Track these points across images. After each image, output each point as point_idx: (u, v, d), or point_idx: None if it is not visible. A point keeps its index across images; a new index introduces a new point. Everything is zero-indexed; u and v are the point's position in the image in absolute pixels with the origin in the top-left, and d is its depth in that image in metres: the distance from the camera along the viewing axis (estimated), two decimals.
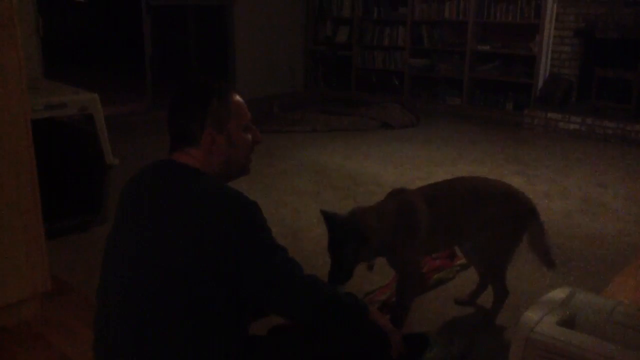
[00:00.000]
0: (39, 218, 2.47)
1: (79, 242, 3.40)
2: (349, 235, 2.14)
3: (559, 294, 1.92)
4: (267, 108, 7.03)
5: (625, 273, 3.03)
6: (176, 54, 9.41)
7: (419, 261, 2.48)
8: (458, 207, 2.39)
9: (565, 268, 3.17)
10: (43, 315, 2.58)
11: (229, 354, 1.58)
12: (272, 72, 8.40)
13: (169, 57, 9.07)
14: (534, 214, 2.48)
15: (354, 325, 1.78)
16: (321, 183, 4.52)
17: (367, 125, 6.59)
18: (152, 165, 1.71)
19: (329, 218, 2.15)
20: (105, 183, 3.54)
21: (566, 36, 6.59)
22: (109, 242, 1.71)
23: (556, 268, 2.63)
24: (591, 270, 3.15)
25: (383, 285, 2.84)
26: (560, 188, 4.54)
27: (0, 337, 2.43)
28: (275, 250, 1.61)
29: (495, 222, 2.42)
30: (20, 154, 2.37)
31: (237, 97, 1.71)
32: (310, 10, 8.73)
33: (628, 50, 6.16)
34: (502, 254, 2.48)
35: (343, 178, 4.67)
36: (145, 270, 1.55)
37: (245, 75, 8.06)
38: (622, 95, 6.20)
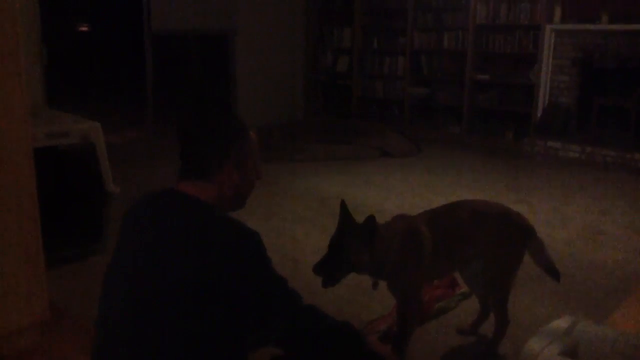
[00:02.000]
0: (39, 246, 2.47)
1: (79, 271, 3.39)
2: (360, 230, 2.13)
3: (561, 323, 1.91)
4: (267, 136, 7.06)
5: (628, 303, 3.02)
6: (178, 82, 9.49)
7: (420, 287, 2.45)
8: (458, 231, 2.40)
9: (566, 297, 3.15)
10: (42, 344, 2.56)
11: None
12: (273, 101, 8.46)
13: (171, 86, 9.14)
14: (531, 232, 2.48)
15: (352, 356, 1.76)
16: (321, 211, 4.52)
17: (368, 154, 6.61)
18: (155, 194, 1.69)
19: (346, 210, 2.16)
20: (105, 211, 3.54)
21: (564, 65, 6.65)
22: (108, 271, 1.69)
23: (561, 279, 2.60)
24: (593, 300, 3.13)
25: (384, 315, 2.82)
26: (561, 216, 4.53)
27: None
28: (275, 282, 1.60)
29: (494, 244, 2.42)
30: (22, 181, 2.38)
31: (253, 135, 1.72)
32: (310, 40, 8.82)
33: (625, 79, 6.22)
34: (503, 276, 2.47)
35: None
36: (144, 301, 1.52)
37: (246, 103, 8.11)
38: (621, 124, 6.24)
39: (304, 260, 3.58)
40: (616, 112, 6.30)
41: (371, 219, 2.15)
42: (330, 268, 2.13)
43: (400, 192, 5.15)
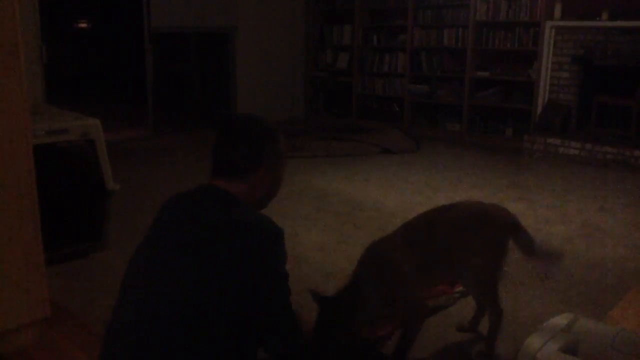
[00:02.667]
0: (39, 244, 2.47)
1: (79, 268, 3.39)
2: (341, 306, 2.04)
3: (561, 320, 1.91)
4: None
5: (628, 299, 3.02)
6: (178, 80, 9.48)
7: (416, 298, 2.38)
8: (437, 246, 2.35)
9: (566, 294, 3.15)
10: (41, 342, 2.56)
11: None
12: (273, 99, 8.46)
13: (171, 84, 9.14)
14: (512, 226, 2.46)
15: None
16: (322, 208, 4.52)
17: (368, 151, 6.61)
18: (195, 189, 1.78)
19: (321, 301, 2.05)
20: (105, 209, 3.54)
21: (564, 63, 6.65)
22: (137, 257, 1.72)
23: (559, 259, 2.57)
24: (592, 296, 3.13)
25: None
26: (561, 213, 4.54)
27: None
28: (284, 278, 1.68)
29: (475, 248, 2.38)
30: (21, 179, 2.38)
31: (283, 139, 1.82)
32: (310, 38, 8.82)
33: (626, 77, 6.21)
34: (489, 275, 2.44)
35: (343, 203, 4.68)
36: (172, 289, 1.58)
37: (246, 101, 8.12)
38: (621, 122, 6.23)
39: (305, 257, 3.58)
40: (616, 109, 6.30)
41: (350, 294, 2.09)
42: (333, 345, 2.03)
43: (400, 189, 5.15)
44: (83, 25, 12.02)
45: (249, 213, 1.68)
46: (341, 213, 4.43)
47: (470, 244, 2.38)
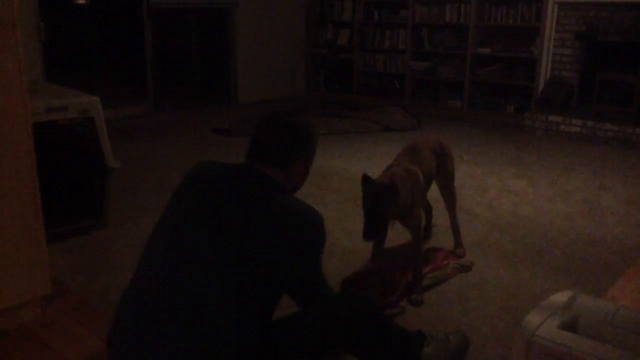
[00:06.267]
0: (39, 221, 2.47)
1: (80, 246, 3.40)
2: (386, 190, 2.58)
3: (560, 297, 1.92)
4: (267, 111, 7.03)
5: (627, 276, 3.03)
6: (177, 57, 9.42)
7: (420, 206, 2.95)
8: (426, 164, 3.00)
9: (566, 271, 3.16)
10: (43, 319, 2.58)
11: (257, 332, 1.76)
12: (273, 76, 8.42)
13: (170, 61, 9.08)
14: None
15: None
16: (322, 186, 4.52)
17: (368, 128, 6.59)
18: (236, 166, 1.93)
19: (367, 180, 2.63)
20: (106, 186, 3.54)
21: (567, 39, 6.59)
22: (163, 229, 1.83)
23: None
24: (592, 274, 3.14)
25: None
26: (562, 191, 4.53)
27: (0, 341, 2.43)
28: (319, 262, 1.90)
29: (446, 163, 3.19)
30: (21, 157, 2.37)
31: (318, 138, 2.08)
32: (311, 13, 8.74)
33: (629, 53, 6.16)
34: (452, 182, 3.28)
35: (344, 181, 4.67)
36: (214, 259, 1.70)
37: (246, 78, 8.08)
38: (623, 99, 6.20)
39: None
40: (619, 86, 6.26)
41: (393, 185, 2.62)
42: (377, 228, 2.60)
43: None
44: (81, 1, 11.91)
45: (292, 199, 1.88)
46: (342, 190, 4.43)
47: (443, 161, 3.16)
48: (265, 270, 1.74)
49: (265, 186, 1.86)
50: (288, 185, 1.96)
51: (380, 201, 2.56)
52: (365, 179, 2.63)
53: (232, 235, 1.74)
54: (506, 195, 4.41)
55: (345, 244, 3.45)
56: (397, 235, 3.16)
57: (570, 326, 1.79)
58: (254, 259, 1.72)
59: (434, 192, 3.29)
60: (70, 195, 3.44)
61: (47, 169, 2.67)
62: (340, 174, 4.87)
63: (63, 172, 3.35)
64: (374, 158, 5.42)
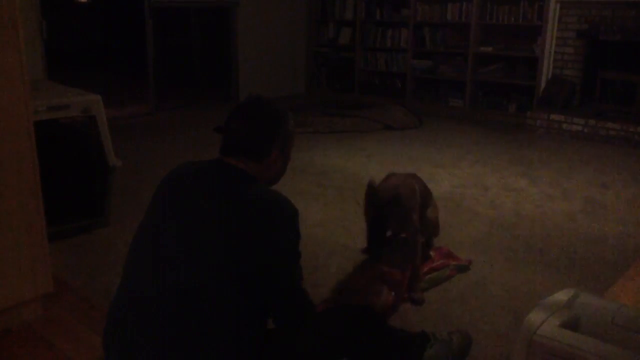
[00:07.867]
0: (41, 220, 2.48)
1: (81, 244, 3.40)
2: (390, 203, 2.67)
3: (562, 295, 1.92)
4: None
5: (628, 275, 3.03)
6: (179, 56, 9.42)
7: (417, 218, 2.94)
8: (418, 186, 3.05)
9: (567, 270, 3.16)
10: (45, 317, 2.59)
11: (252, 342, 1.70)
12: (275, 74, 8.41)
13: (172, 59, 9.08)
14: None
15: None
16: (323, 184, 4.52)
17: (370, 127, 6.58)
18: (208, 163, 1.84)
19: (373, 190, 2.69)
20: (107, 185, 3.54)
21: (569, 38, 6.58)
22: (144, 231, 1.78)
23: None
24: (594, 272, 3.14)
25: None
26: (563, 190, 4.53)
27: (1, 339, 2.43)
28: (296, 257, 1.83)
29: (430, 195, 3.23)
30: (22, 155, 2.37)
31: (292, 118, 1.93)
32: (312, 12, 8.74)
33: (631, 52, 6.15)
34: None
35: (345, 179, 4.67)
36: (193, 261, 1.65)
37: (247, 77, 8.07)
38: (625, 98, 6.19)
39: (306, 233, 3.57)
40: (620, 85, 6.25)
41: (397, 198, 2.71)
42: (381, 239, 2.77)
43: (402, 165, 5.14)
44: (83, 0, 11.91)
45: (266, 191, 1.77)
46: (343, 189, 4.43)
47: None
48: (242, 269, 1.65)
49: (234, 180, 1.77)
50: (268, 175, 1.86)
51: (385, 214, 2.66)
52: (371, 190, 2.69)
53: (204, 234, 1.68)
54: (507, 194, 4.41)
55: (347, 242, 3.45)
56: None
57: (571, 325, 1.79)
58: (229, 256, 1.65)
59: (434, 193, 3.28)
60: (72, 193, 3.45)
61: (49, 167, 2.68)
62: (340, 172, 4.87)
63: (65, 171, 3.36)
64: (375, 157, 5.42)
